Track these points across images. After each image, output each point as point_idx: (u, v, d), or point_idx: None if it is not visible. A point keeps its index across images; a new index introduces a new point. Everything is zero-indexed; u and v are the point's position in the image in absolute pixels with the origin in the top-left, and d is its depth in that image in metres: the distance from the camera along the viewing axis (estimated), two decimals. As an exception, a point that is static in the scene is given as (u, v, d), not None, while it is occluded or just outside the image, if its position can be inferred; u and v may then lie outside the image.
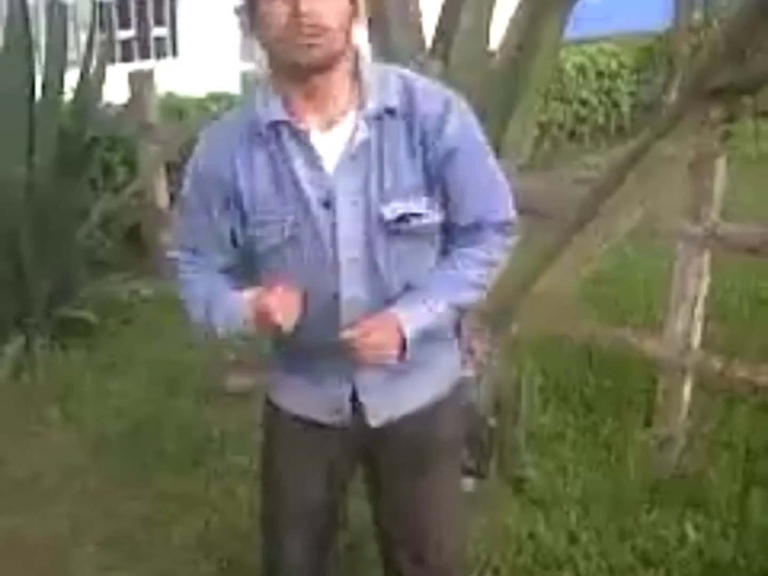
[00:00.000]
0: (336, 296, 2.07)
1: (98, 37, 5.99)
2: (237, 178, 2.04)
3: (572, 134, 9.67)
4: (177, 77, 7.49)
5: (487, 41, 3.61)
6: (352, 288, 2.07)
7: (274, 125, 2.00)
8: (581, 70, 9.64)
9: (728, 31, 3.31)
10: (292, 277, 2.05)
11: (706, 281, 3.97)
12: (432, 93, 2.06)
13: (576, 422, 4.24)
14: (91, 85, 5.56)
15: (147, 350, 4.97)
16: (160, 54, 9.11)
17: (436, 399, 2.27)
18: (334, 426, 2.24)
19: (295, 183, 2.01)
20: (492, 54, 3.60)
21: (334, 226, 2.02)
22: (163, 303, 5.50)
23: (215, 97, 6.94)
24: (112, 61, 8.18)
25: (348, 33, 1.95)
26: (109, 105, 6.00)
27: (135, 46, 8.98)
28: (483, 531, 3.29)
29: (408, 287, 2.11)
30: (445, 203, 2.09)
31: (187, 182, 2.16)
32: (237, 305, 2.08)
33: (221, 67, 8.92)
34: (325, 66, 1.94)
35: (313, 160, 2.00)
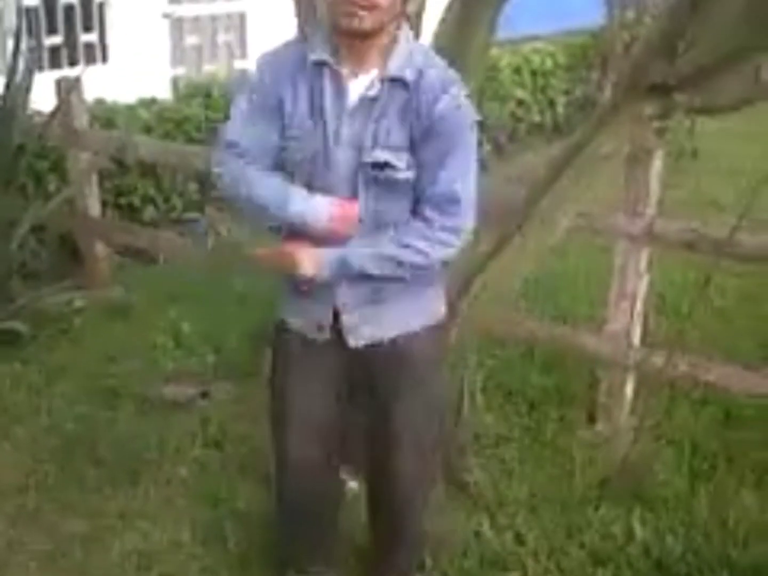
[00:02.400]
0: None
1: (25, 43, 5.85)
2: (285, 99, 2.53)
3: (510, 135, 9.68)
4: (107, 83, 7.36)
5: (419, 29, 3.58)
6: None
7: (319, 64, 2.50)
8: (516, 69, 9.66)
9: (660, 27, 3.32)
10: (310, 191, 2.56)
11: (645, 278, 3.99)
12: (439, 73, 2.50)
13: (520, 422, 4.22)
14: (18, 92, 5.44)
15: (82, 362, 4.85)
16: (90, 60, 8.95)
17: (413, 330, 2.70)
18: (319, 342, 2.70)
19: (323, 113, 2.50)
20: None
21: (336, 155, 2.51)
22: (98, 313, 5.41)
23: (145, 103, 6.82)
24: (40, 68, 8.03)
25: (397, 12, 2.43)
26: (37, 112, 5.86)
27: (63, 52, 8.82)
28: (429, 534, 3.25)
29: (376, 226, 2.55)
30: (420, 171, 2.51)
31: (252, 82, 2.60)
32: (323, 203, 2.53)
33: (151, 72, 8.81)
34: (367, 35, 2.42)
35: (341, 98, 2.49)
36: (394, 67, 2.46)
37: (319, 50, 2.50)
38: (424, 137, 2.48)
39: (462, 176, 2.52)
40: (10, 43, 5.49)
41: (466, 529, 3.47)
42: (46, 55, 8.62)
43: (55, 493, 3.76)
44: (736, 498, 3.62)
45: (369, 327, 2.67)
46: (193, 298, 5.48)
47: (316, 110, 2.51)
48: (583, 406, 4.23)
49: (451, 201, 2.51)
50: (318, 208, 2.53)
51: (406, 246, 2.52)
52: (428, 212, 2.52)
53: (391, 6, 2.39)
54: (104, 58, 9.20)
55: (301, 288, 2.66)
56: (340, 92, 2.49)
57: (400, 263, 2.53)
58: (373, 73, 2.48)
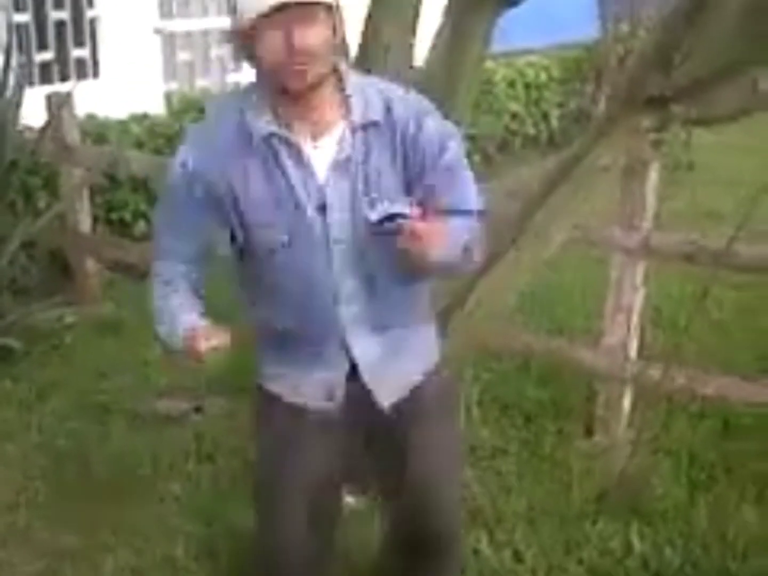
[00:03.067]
0: (333, 292, 2.25)
1: (15, 59, 5.82)
2: (232, 186, 2.19)
3: (503, 147, 9.69)
4: (98, 99, 7.33)
5: (412, 56, 3.58)
6: (346, 282, 2.25)
7: (268, 138, 2.16)
8: (510, 82, 9.68)
9: (655, 39, 3.31)
10: (290, 277, 2.25)
11: (641, 291, 3.97)
12: (409, 101, 2.25)
13: (517, 435, 4.19)
14: (8, 108, 5.42)
15: (73, 378, 4.81)
16: (81, 75, 8.93)
17: (426, 373, 2.46)
18: (329, 410, 2.37)
19: (291, 190, 2.17)
20: (417, 69, 3.56)
21: (327, 227, 2.19)
22: (89, 329, 5.38)
23: (137, 118, 6.80)
24: (31, 83, 8.01)
25: (331, 56, 2.14)
26: (28, 128, 5.84)
27: (54, 68, 8.79)
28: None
29: (395, 278, 2.28)
30: (423, 196, 2.22)
31: (172, 178, 2.25)
32: (178, 326, 2.21)
33: (144, 87, 8.78)
34: (315, 87, 2.12)
35: (305, 169, 2.18)
36: (359, 111, 2.18)
37: (261, 122, 2.17)
38: (421, 170, 2.24)
39: (471, 190, 2.34)
40: (0, 59, 5.44)
41: (464, 545, 3.42)
42: (36, 71, 8.60)
43: (46, 512, 3.72)
44: (735, 510, 3.58)
45: (395, 378, 2.40)
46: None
47: (281, 190, 2.18)
48: (580, 419, 4.20)
49: (470, 215, 2.33)
50: (177, 330, 2.21)
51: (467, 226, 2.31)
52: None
53: (326, 53, 2.11)
54: (96, 74, 9.17)
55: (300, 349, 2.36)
56: (304, 163, 2.18)
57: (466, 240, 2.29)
58: (339, 128, 2.19)
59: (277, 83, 2.12)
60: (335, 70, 2.20)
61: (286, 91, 2.12)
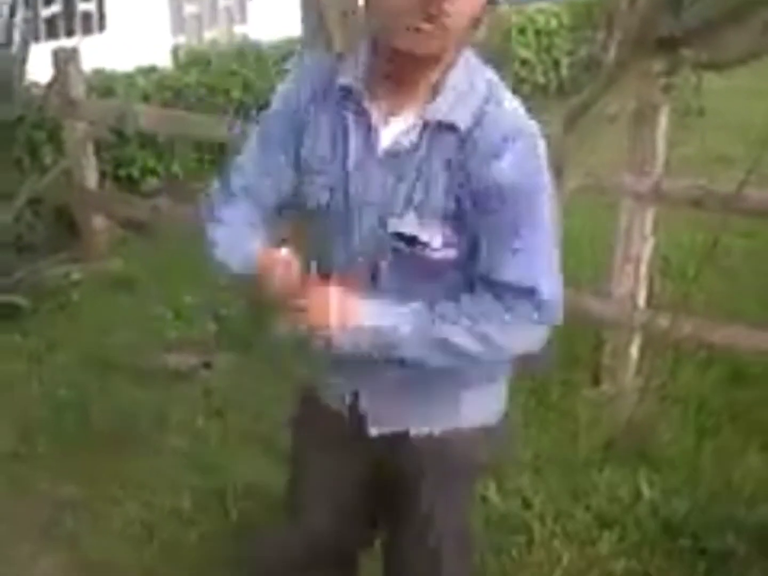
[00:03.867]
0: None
1: (21, 14, 5.78)
2: (305, 135, 1.98)
3: (512, 94, 9.61)
4: (105, 53, 7.29)
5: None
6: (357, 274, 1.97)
7: (347, 91, 1.90)
8: (520, 29, 9.58)
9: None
10: (318, 244, 2.02)
11: (650, 240, 3.95)
12: (504, 119, 1.84)
13: (524, 384, 4.17)
14: (14, 63, 5.39)
15: (82, 334, 4.82)
16: (87, 30, 8.88)
17: (456, 426, 2.09)
18: (345, 417, 2.14)
19: (345, 157, 1.92)
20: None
21: (359, 213, 1.92)
22: (96, 286, 5.39)
23: (144, 72, 6.76)
24: (37, 38, 7.97)
25: (459, 43, 1.80)
26: (34, 84, 5.82)
27: (60, 22, 8.74)
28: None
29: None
30: (470, 245, 1.88)
31: (269, 116, 2.07)
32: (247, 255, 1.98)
33: (151, 40, 8.74)
34: (425, 62, 1.79)
35: (368, 143, 1.89)
36: (442, 107, 1.82)
37: (349, 72, 1.90)
38: (477, 206, 1.83)
39: (540, 264, 1.88)
40: (5, 14, 5.41)
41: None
42: (43, 26, 8.56)
43: (50, 463, 3.73)
44: (741, 457, 3.59)
45: (393, 414, 2.10)
46: (194, 269, 5.43)
47: (338, 150, 1.93)
48: (588, 368, 4.19)
49: (527, 291, 1.86)
50: (251, 254, 1.99)
51: (483, 337, 1.87)
52: (500, 291, 1.87)
53: (463, 30, 1.76)
54: (102, 27, 9.14)
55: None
56: (369, 135, 1.89)
57: (461, 354, 1.90)
58: (414, 114, 1.86)
59: (385, 38, 1.80)
60: (452, 59, 1.84)
61: (394, 51, 1.78)
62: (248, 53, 7.57)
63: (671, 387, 3.99)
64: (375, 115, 1.88)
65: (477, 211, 1.84)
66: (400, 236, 1.88)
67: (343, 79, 1.90)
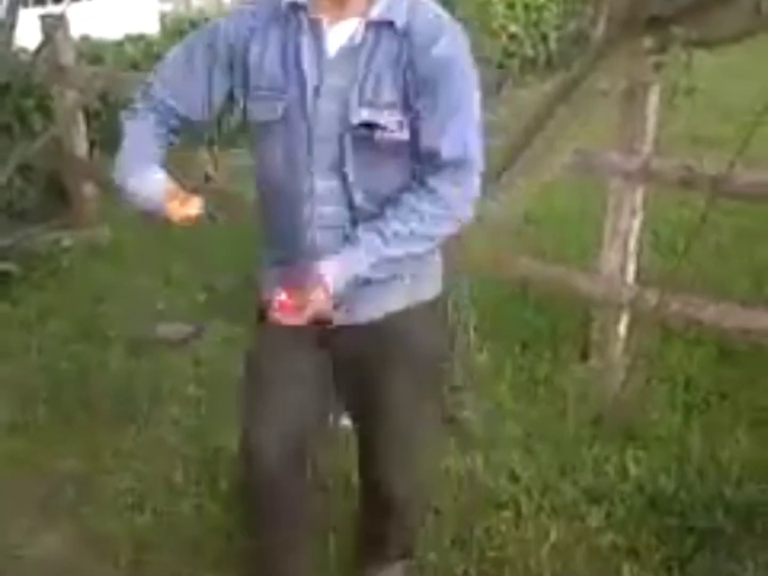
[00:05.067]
0: (309, 186, 2.20)
1: (8, -22, 5.72)
2: (248, 52, 2.21)
3: (500, 68, 9.59)
4: (93, 20, 7.22)
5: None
6: (322, 179, 2.20)
7: (295, 8, 2.16)
8: (509, 4, 9.55)
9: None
10: (277, 157, 2.23)
11: (639, 216, 3.95)
12: (433, 16, 2.16)
13: (513, 361, 4.21)
14: (2, 29, 5.33)
15: (73, 302, 4.82)
16: (75, -5, 8.77)
17: (409, 309, 2.35)
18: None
19: (299, 65, 2.15)
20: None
21: (316, 113, 2.16)
22: (86, 253, 5.39)
23: (133, 39, 6.74)
24: (25, 4, 7.87)
25: None
26: (22, 50, 5.77)
27: (48, -13, 8.64)
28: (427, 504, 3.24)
29: (371, 197, 2.20)
30: (417, 126, 2.15)
31: (200, 31, 2.32)
32: (156, 185, 2.22)
33: (138, 7, 8.66)
34: None
35: (318, 47, 2.15)
36: (380, 8, 2.12)
37: None
38: (421, 90, 2.11)
39: (470, 133, 2.18)
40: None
41: (459, 466, 3.47)
42: (30, -8, 8.45)
43: (45, 434, 3.75)
44: (729, 436, 3.61)
45: (363, 306, 2.30)
46: (184, 237, 5.43)
47: (290, 62, 2.16)
48: (576, 344, 4.22)
49: (460, 166, 2.16)
50: (152, 185, 2.22)
51: (415, 234, 2.16)
52: (434, 181, 2.15)
53: None
54: (90, -6, 9.03)
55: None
56: (320, 41, 2.15)
57: (409, 256, 2.19)
58: (355, 19, 2.14)
59: None
60: None
61: None
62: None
63: (659, 365, 4.03)
64: (323, 23, 2.14)
65: (421, 93, 2.12)
66: (360, 125, 2.13)
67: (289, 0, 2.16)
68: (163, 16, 9.02)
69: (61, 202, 5.91)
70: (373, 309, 2.32)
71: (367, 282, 2.21)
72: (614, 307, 4.04)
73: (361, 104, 2.13)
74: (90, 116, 6.02)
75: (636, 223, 3.97)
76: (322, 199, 2.20)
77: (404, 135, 2.15)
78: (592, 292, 4.06)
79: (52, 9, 7.47)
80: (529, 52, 10.03)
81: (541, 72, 9.97)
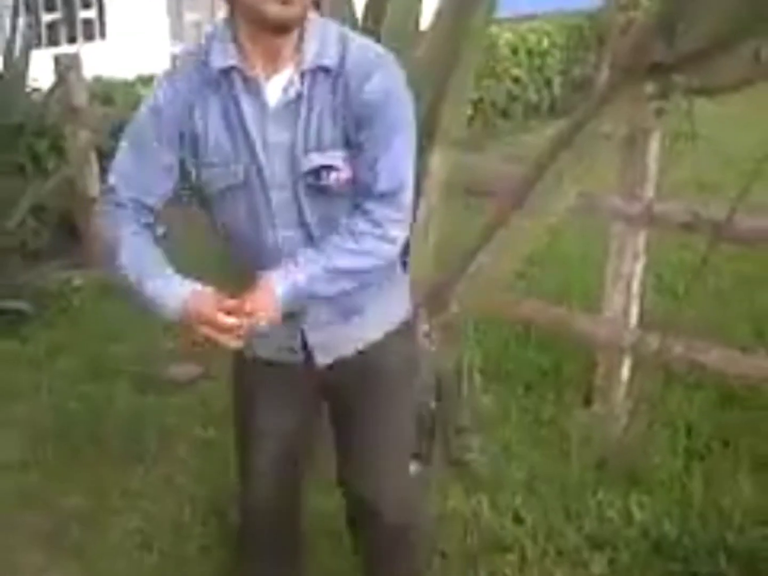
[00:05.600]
0: (276, 241, 2.23)
1: (23, 20, 5.83)
2: (195, 125, 2.17)
3: (504, 113, 9.68)
4: (105, 60, 7.34)
5: (418, 19, 3.58)
6: (283, 230, 2.23)
7: (227, 71, 2.12)
8: (513, 48, 9.65)
9: (659, 8, 3.32)
10: (241, 219, 2.24)
11: (642, 260, 4.00)
12: (364, 52, 2.16)
13: (517, 403, 4.24)
14: (15, 69, 5.43)
15: (84, 340, 4.87)
16: (88, 37, 8.91)
17: (381, 338, 2.43)
18: (295, 364, 2.40)
19: (244, 127, 2.14)
20: (423, 32, 3.56)
21: (271, 169, 2.17)
22: (97, 292, 5.43)
23: (144, 80, 6.82)
24: (38, 45, 8.01)
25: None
26: (35, 90, 5.86)
27: (61, 29, 8.78)
28: (430, 538, 3.25)
29: (328, 231, 2.22)
30: (356, 153, 2.18)
31: (139, 117, 2.23)
32: (173, 294, 2.20)
33: (150, 48, 8.78)
34: (291, 26, 2.06)
35: (260, 104, 2.13)
36: (311, 56, 2.11)
37: (222, 56, 2.12)
38: (359, 125, 2.14)
39: (405, 164, 2.21)
40: (7, 20, 5.45)
41: (465, 509, 3.49)
42: (44, 32, 8.59)
43: (54, 473, 3.79)
44: (731, 481, 3.63)
45: (338, 342, 2.39)
46: (195, 275, 5.48)
47: (235, 125, 2.15)
48: (580, 387, 4.25)
49: (395, 193, 2.20)
50: (172, 292, 2.19)
51: (354, 251, 2.19)
52: (370, 205, 2.19)
53: None
54: (103, 35, 9.16)
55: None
56: (259, 96, 2.13)
57: (353, 272, 2.21)
58: (290, 68, 2.13)
59: (252, 12, 2.04)
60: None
61: (261, 24, 2.05)
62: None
63: (661, 409, 4.05)
64: (261, 80, 2.12)
65: (359, 128, 2.14)
66: (309, 171, 2.16)
67: (219, 63, 2.11)
68: (174, 58, 9.13)
69: (73, 241, 5.97)
70: (344, 348, 2.40)
71: (329, 320, 2.33)
72: (617, 351, 4.07)
73: (307, 152, 2.15)
74: (103, 156, 6.09)
75: (639, 267, 4.01)
76: (288, 248, 2.22)
77: (349, 172, 2.19)
78: (596, 335, 4.10)
79: (65, 48, 7.59)
80: (533, 97, 10.12)
81: (544, 117, 10.04)
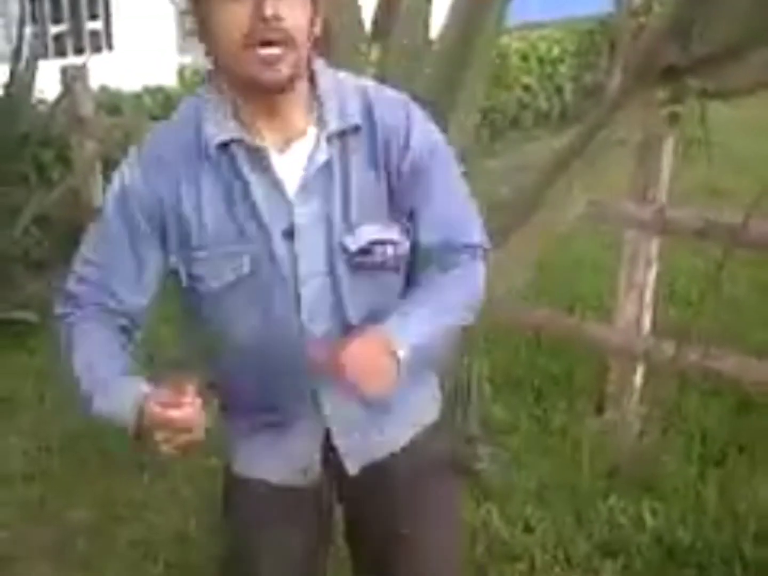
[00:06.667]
0: (299, 335, 1.80)
1: (29, 31, 5.83)
2: (181, 210, 1.75)
3: (515, 121, 9.64)
4: (112, 71, 7.33)
5: (428, 28, 3.55)
6: (315, 325, 1.80)
7: (227, 145, 1.73)
8: (523, 56, 9.63)
9: (672, 12, 3.28)
10: (248, 321, 1.81)
11: (654, 267, 3.96)
12: (391, 103, 1.82)
13: (528, 411, 4.19)
14: (22, 80, 5.42)
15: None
16: (95, 48, 8.93)
17: (418, 433, 2.01)
18: (303, 488, 1.95)
19: (254, 212, 1.74)
20: (433, 41, 3.53)
21: (296, 258, 1.76)
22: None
23: (151, 91, 6.81)
24: (45, 56, 8.01)
25: (307, 42, 1.69)
26: (41, 101, 5.85)
27: (68, 40, 8.80)
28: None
29: (372, 322, 1.80)
30: (412, 225, 1.85)
31: (110, 201, 1.82)
32: (126, 400, 1.71)
33: (158, 60, 8.79)
34: (289, 83, 1.68)
35: (273, 184, 1.74)
36: (333, 116, 1.75)
37: (219, 127, 1.73)
38: (410, 185, 1.81)
39: (471, 212, 1.94)
40: (14, 30, 5.45)
41: (474, 518, 3.44)
42: (51, 44, 8.60)
43: (60, 484, 3.76)
44: (747, 488, 3.58)
45: (371, 445, 1.95)
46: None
47: (240, 209, 1.75)
48: (591, 395, 4.20)
49: (469, 251, 1.91)
50: (125, 402, 1.71)
51: (458, 277, 1.89)
52: (444, 257, 1.88)
53: (305, 35, 1.67)
54: (110, 46, 9.18)
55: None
56: (269, 174, 1.74)
57: (470, 307, 1.92)
58: (310, 133, 1.76)
59: (239, 75, 1.67)
60: (309, 67, 1.76)
61: (252, 87, 1.68)
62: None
63: (675, 416, 4.00)
64: (270, 153, 1.74)
65: (411, 188, 1.82)
66: (359, 250, 1.79)
67: (216, 138, 1.72)
68: (181, 69, 9.13)
69: (77, 252, 5.94)
70: (377, 451, 1.97)
71: (370, 413, 1.90)
72: (630, 358, 4.03)
73: (351, 227, 1.77)
74: (108, 167, 6.08)
75: (651, 275, 3.97)
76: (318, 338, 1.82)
77: (407, 244, 1.85)
78: (608, 343, 4.05)
79: (72, 60, 7.59)
80: (543, 104, 10.09)
81: (554, 125, 10.01)
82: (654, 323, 4.05)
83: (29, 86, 5.49)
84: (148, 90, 6.84)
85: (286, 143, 1.76)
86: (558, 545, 3.32)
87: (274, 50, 1.61)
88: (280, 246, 1.75)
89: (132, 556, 3.35)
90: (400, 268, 1.87)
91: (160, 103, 6.67)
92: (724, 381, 3.98)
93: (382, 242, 1.80)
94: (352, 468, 1.94)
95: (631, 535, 3.36)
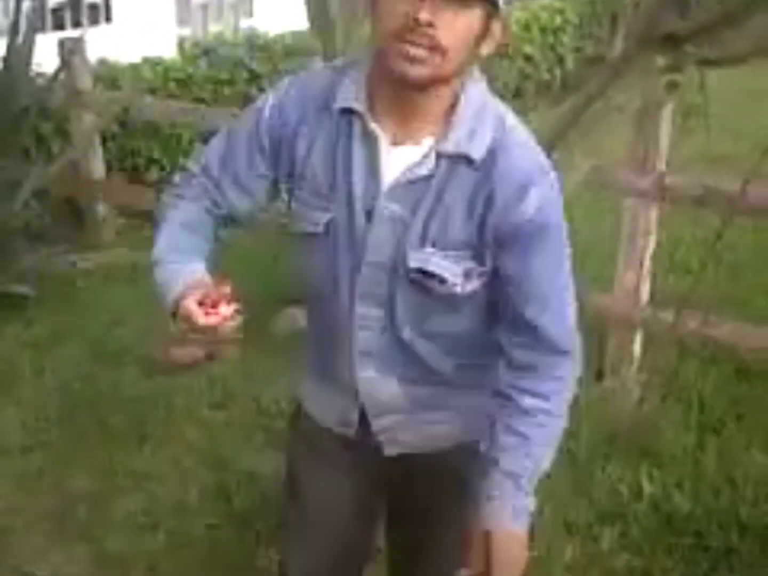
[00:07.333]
0: (349, 312, 1.86)
1: (27, 4, 5.79)
2: (295, 145, 1.83)
3: (516, 91, 9.59)
4: (111, 43, 7.31)
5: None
6: (363, 308, 1.85)
7: (348, 113, 1.77)
8: (525, 26, 9.58)
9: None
10: (318, 272, 1.88)
11: (654, 234, 3.95)
12: (522, 153, 1.74)
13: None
14: (20, 53, 5.39)
15: (87, 324, 4.83)
16: (94, 21, 8.90)
17: (462, 441, 1.99)
18: (348, 438, 2.02)
19: (348, 182, 1.77)
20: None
21: (365, 238, 1.78)
22: (102, 275, 5.40)
23: (150, 63, 6.77)
24: (44, 29, 7.97)
25: (465, 59, 1.67)
26: (40, 74, 5.82)
27: (67, 13, 8.76)
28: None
29: (421, 338, 1.87)
30: (492, 281, 1.80)
31: (247, 113, 1.92)
32: (176, 281, 1.83)
33: (157, 32, 8.75)
34: (425, 87, 1.68)
35: (373, 168, 1.76)
36: (455, 137, 1.71)
37: (349, 94, 1.77)
38: (506, 248, 1.74)
39: (570, 304, 1.88)
40: (12, 4, 5.41)
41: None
42: (49, 16, 8.56)
43: (60, 454, 3.76)
44: (744, 455, 3.59)
45: (407, 435, 1.99)
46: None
47: (339, 175, 1.79)
48: (591, 363, 4.19)
49: (561, 343, 1.90)
50: (173, 282, 1.84)
51: (549, 415, 1.94)
52: (532, 358, 1.87)
53: (458, 50, 1.63)
54: (108, 18, 9.14)
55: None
56: (375, 161, 1.75)
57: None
58: (426, 143, 1.73)
59: (383, 60, 1.68)
60: (457, 78, 1.72)
61: (390, 75, 1.68)
62: (254, 45, 7.59)
63: (674, 384, 4.00)
64: (382, 141, 1.75)
65: (505, 251, 1.76)
66: (416, 269, 1.77)
67: (343, 102, 1.76)
68: (181, 41, 9.10)
69: (77, 225, 5.95)
70: (425, 440, 2.00)
71: (411, 408, 1.96)
72: (629, 326, 4.03)
73: (423, 243, 1.76)
74: (106, 139, 6.08)
75: (651, 243, 3.97)
76: (363, 325, 1.87)
77: (469, 287, 1.80)
78: (608, 310, 4.06)
79: (71, 32, 7.56)
80: (545, 74, 10.04)
81: (555, 95, 9.95)
82: (653, 292, 4.04)
83: (27, 59, 5.46)
84: (147, 62, 6.80)
85: (401, 140, 1.75)
86: (557, 512, 3.32)
87: (419, 51, 1.61)
88: (359, 227, 1.79)
89: (133, 525, 3.36)
90: (460, 309, 1.85)
91: (159, 75, 6.63)
92: (722, 348, 3.99)
93: (442, 279, 1.77)
94: (388, 449, 2.00)
95: (629, 501, 3.37)
